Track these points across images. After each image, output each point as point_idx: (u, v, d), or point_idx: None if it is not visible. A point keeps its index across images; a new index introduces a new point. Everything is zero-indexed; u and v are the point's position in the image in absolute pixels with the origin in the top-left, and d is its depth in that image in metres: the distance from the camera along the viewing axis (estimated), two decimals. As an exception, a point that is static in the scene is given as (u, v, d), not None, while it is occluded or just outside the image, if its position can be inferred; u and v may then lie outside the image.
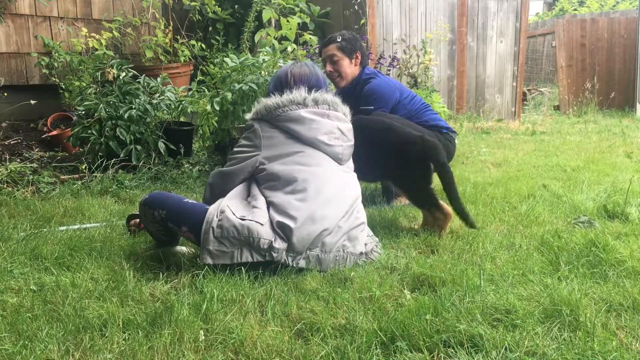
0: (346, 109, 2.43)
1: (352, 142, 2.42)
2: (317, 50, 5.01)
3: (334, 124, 2.33)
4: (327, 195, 2.17)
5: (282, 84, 2.39)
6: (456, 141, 3.46)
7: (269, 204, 2.15)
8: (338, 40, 3.16)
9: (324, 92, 2.36)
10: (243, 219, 2.05)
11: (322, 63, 3.31)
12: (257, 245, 2.04)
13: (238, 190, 2.25)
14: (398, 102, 3.17)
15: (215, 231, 2.05)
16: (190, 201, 2.24)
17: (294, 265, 2.09)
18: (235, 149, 2.35)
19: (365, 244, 2.27)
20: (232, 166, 2.29)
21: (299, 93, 2.30)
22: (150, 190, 3.44)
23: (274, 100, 2.29)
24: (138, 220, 2.58)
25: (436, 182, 2.59)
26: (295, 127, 2.26)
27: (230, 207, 2.10)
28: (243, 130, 2.38)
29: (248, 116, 2.39)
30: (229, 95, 3.67)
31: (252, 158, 2.26)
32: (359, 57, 3.20)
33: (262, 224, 2.05)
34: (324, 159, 2.28)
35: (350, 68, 3.19)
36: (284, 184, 2.17)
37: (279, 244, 2.05)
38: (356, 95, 3.20)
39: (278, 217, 2.08)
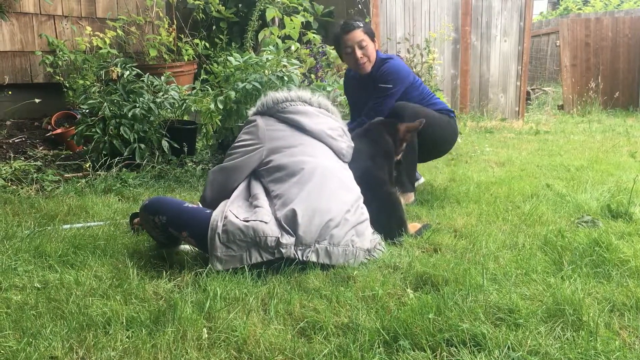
0: (342, 122, 2.57)
1: (353, 145, 2.53)
2: (320, 50, 5.03)
3: (337, 123, 2.47)
4: (332, 187, 2.20)
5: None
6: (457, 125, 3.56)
7: (274, 197, 2.15)
8: (361, 25, 3.14)
9: (325, 98, 2.52)
10: (247, 221, 2.05)
11: (347, 50, 3.13)
12: (264, 244, 2.03)
13: (238, 192, 2.25)
14: (411, 84, 3.24)
15: (221, 237, 2.04)
16: (190, 205, 2.23)
17: (304, 259, 2.06)
18: (235, 144, 2.36)
19: (370, 241, 2.27)
20: (234, 160, 2.31)
21: (305, 92, 2.43)
22: (154, 189, 3.45)
23: (282, 94, 2.40)
24: (141, 218, 2.58)
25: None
26: (302, 119, 2.35)
27: (233, 212, 2.10)
28: (241, 127, 2.42)
29: (251, 111, 2.47)
30: (233, 94, 3.68)
31: (257, 151, 2.29)
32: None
33: (266, 222, 2.05)
34: (329, 153, 2.37)
35: (374, 51, 3.21)
36: (289, 175, 2.19)
37: (286, 239, 2.04)
38: (372, 75, 3.21)
39: (284, 209, 2.09)
